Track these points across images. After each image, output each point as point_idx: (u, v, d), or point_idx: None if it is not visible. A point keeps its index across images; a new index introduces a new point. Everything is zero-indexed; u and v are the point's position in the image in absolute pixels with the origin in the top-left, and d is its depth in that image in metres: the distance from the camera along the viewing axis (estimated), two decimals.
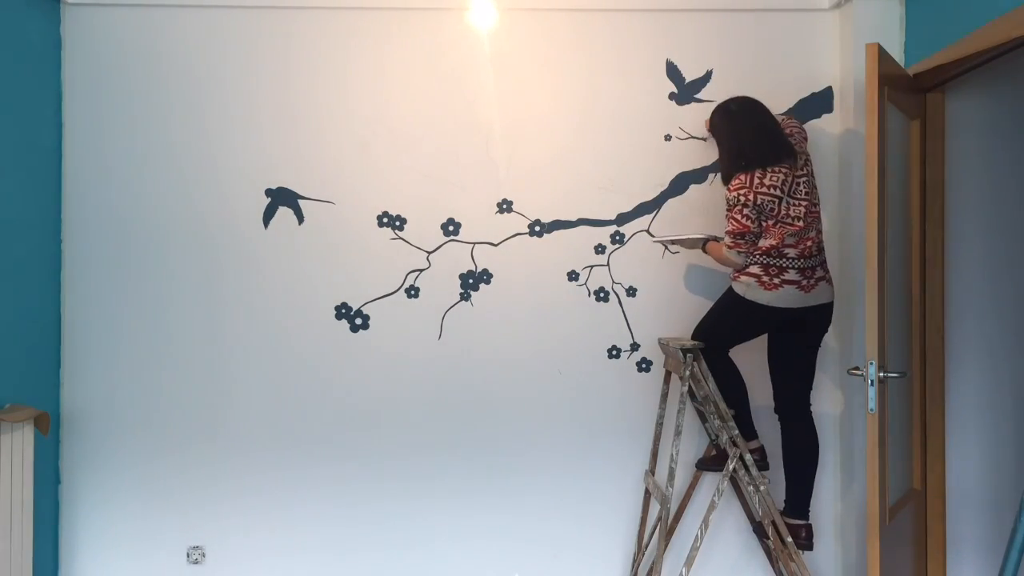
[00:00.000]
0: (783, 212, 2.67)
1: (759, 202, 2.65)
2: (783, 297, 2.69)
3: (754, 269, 2.73)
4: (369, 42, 3.12)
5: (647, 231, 3.15)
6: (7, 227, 2.79)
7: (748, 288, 2.72)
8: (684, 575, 2.72)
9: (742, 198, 2.66)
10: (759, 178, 2.66)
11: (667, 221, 3.13)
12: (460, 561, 3.14)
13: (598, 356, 3.15)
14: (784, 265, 2.70)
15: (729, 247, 2.73)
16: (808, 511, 2.84)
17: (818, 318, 2.77)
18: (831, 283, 2.79)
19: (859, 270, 2.94)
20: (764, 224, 2.69)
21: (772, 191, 2.65)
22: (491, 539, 3.15)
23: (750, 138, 2.74)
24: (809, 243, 2.72)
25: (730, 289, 2.81)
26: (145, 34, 3.09)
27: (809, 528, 2.82)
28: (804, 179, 2.71)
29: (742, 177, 2.68)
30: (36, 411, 2.72)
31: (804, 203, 2.69)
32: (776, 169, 2.67)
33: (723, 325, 2.82)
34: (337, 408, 3.13)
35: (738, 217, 2.68)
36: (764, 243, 2.71)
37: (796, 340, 2.82)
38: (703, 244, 2.91)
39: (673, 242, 3.02)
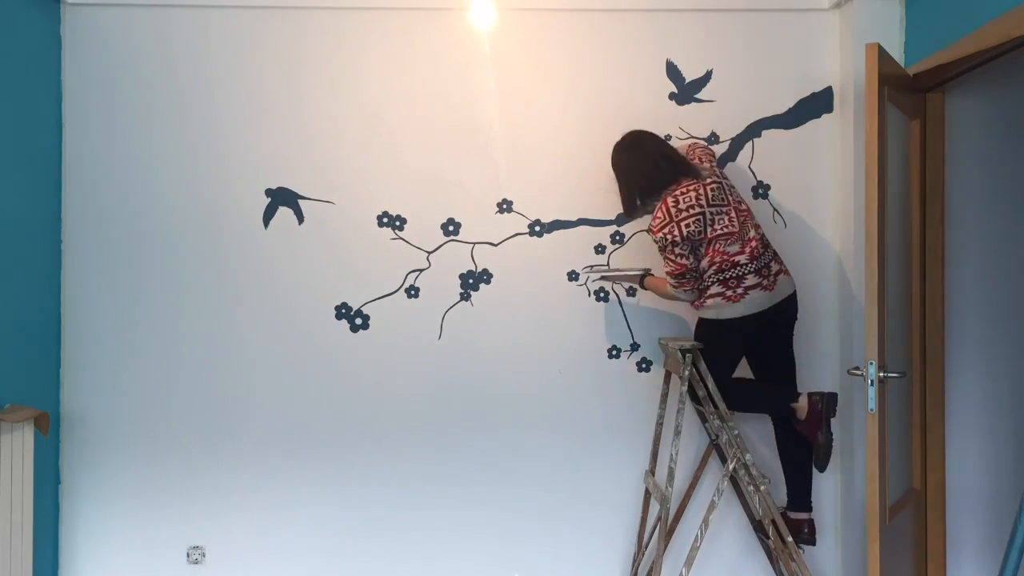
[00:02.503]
0: (711, 227, 2.66)
1: (686, 234, 2.64)
2: (751, 303, 2.69)
3: (715, 289, 2.71)
4: (369, 42, 3.12)
5: (647, 231, 3.14)
6: (7, 227, 2.79)
7: (718, 309, 2.71)
8: (684, 575, 2.72)
9: (669, 237, 2.66)
10: (673, 205, 2.66)
11: None
12: (460, 561, 3.14)
13: (598, 356, 3.15)
14: (741, 274, 2.68)
15: (675, 287, 2.74)
16: (810, 503, 2.86)
17: (786, 311, 2.78)
18: (789, 274, 2.79)
19: (859, 270, 2.94)
20: (700, 252, 2.68)
21: (692, 211, 2.65)
22: (491, 538, 3.14)
23: (650, 163, 2.74)
24: (754, 243, 2.71)
25: (701, 321, 2.81)
26: (145, 34, 3.09)
27: (811, 523, 2.84)
28: (715, 185, 2.71)
29: (660, 215, 2.68)
30: (36, 411, 2.72)
31: (726, 207, 2.69)
32: (684, 187, 2.68)
33: (721, 358, 2.78)
34: (337, 408, 3.13)
35: (672, 258, 2.69)
36: (708, 263, 2.69)
37: (769, 339, 2.82)
38: (640, 279, 2.91)
39: (607, 276, 3.01)
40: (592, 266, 3.10)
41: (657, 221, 2.69)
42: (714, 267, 2.69)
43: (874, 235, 2.41)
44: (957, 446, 3.01)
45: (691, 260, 2.68)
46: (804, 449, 2.85)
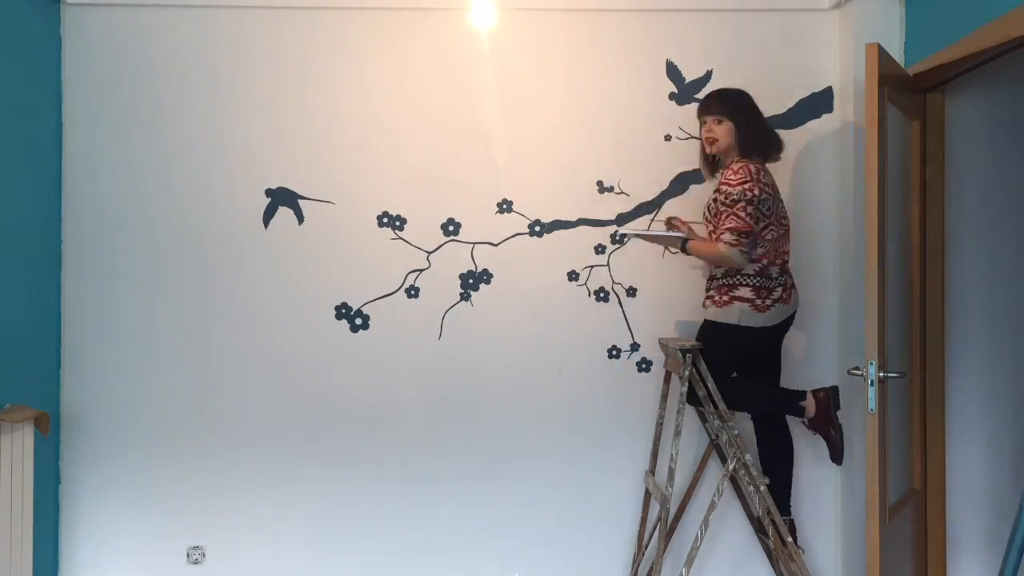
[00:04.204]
0: (774, 213, 2.67)
1: (763, 197, 2.61)
2: (772, 315, 2.70)
3: (746, 293, 2.68)
4: (369, 42, 3.12)
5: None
6: (7, 227, 2.79)
7: (743, 315, 2.68)
8: (684, 575, 2.72)
9: (748, 194, 2.58)
10: (757, 172, 2.64)
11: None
12: (460, 561, 3.14)
13: (598, 356, 3.15)
14: (772, 285, 2.69)
15: (731, 245, 2.60)
16: (790, 507, 2.90)
17: (789, 323, 2.81)
18: (797, 289, 2.82)
19: (859, 270, 2.95)
20: (759, 226, 2.65)
21: (768, 188, 2.65)
22: (491, 539, 3.15)
23: (766, 125, 2.78)
24: (786, 256, 2.74)
25: (714, 325, 2.73)
26: (145, 34, 3.09)
27: (791, 523, 2.86)
28: (776, 190, 2.75)
29: (743, 173, 2.62)
30: (36, 411, 2.72)
31: (781, 209, 2.72)
32: (767, 167, 2.72)
33: (725, 360, 2.77)
34: (337, 408, 3.13)
35: (741, 214, 2.59)
36: (758, 255, 2.67)
37: (770, 347, 2.84)
38: (682, 243, 2.80)
39: (645, 236, 2.97)
40: (633, 232, 3.01)
41: (739, 176, 2.61)
42: (757, 267, 2.67)
43: (874, 235, 2.41)
44: (957, 446, 3.01)
45: (756, 224, 2.62)
46: (787, 454, 2.91)
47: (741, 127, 2.73)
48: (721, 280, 2.75)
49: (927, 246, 2.97)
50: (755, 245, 2.66)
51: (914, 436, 2.95)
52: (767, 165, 2.75)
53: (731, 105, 2.75)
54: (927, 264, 2.97)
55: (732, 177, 2.63)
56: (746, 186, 2.59)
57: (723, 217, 2.64)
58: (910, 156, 2.92)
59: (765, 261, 2.68)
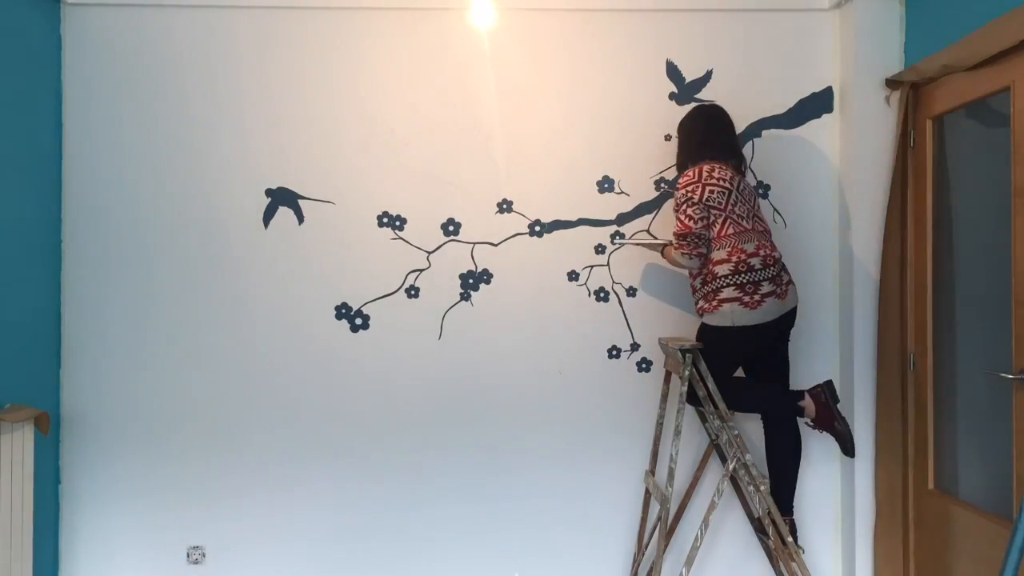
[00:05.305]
0: (731, 207, 2.66)
1: (706, 197, 2.65)
2: (766, 311, 2.68)
3: (732, 292, 2.67)
4: (370, 42, 3.12)
5: (647, 231, 3.15)
6: (7, 227, 2.79)
7: (734, 315, 2.68)
8: (684, 575, 2.72)
9: (689, 194, 2.67)
10: (708, 171, 2.67)
11: (667, 222, 3.13)
12: (460, 561, 3.14)
13: (598, 356, 3.15)
14: (757, 279, 2.67)
15: (676, 247, 2.73)
16: (792, 507, 2.89)
17: (790, 320, 2.80)
18: (794, 284, 2.81)
19: (858, 270, 2.95)
20: (713, 226, 2.66)
21: (721, 183, 2.66)
22: (491, 539, 3.15)
23: (715, 131, 2.80)
24: (769, 249, 2.72)
25: (706, 327, 2.77)
26: (145, 34, 3.09)
27: (792, 523, 2.86)
28: (749, 189, 2.75)
29: (690, 173, 2.70)
30: (36, 411, 2.72)
31: (748, 205, 2.71)
32: (724, 164, 2.72)
33: (725, 361, 2.78)
34: (337, 408, 3.13)
35: (682, 217, 2.69)
36: (720, 257, 2.67)
37: (772, 346, 2.84)
38: (662, 249, 2.93)
39: (643, 244, 3.05)
40: (635, 242, 3.09)
41: (686, 179, 2.71)
42: (730, 266, 2.67)
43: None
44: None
45: (699, 226, 2.67)
46: (794, 453, 2.90)
47: (681, 141, 2.90)
48: (702, 290, 2.77)
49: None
50: (702, 245, 2.69)
51: (918, 435, 2.95)
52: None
53: (681, 124, 2.92)
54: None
55: (682, 180, 2.74)
56: (689, 188, 2.68)
57: (675, 220, 2.75)
58: (912, 156, 2.92)
59: (734, 259, 2.67)
